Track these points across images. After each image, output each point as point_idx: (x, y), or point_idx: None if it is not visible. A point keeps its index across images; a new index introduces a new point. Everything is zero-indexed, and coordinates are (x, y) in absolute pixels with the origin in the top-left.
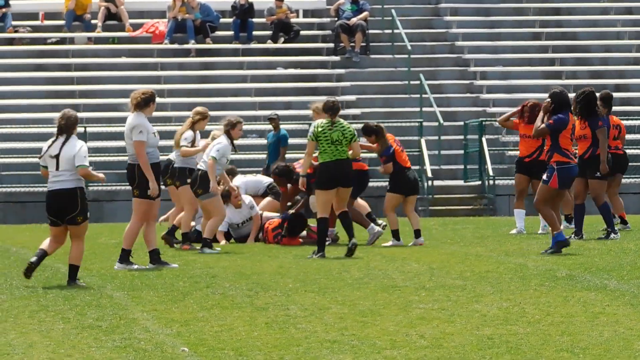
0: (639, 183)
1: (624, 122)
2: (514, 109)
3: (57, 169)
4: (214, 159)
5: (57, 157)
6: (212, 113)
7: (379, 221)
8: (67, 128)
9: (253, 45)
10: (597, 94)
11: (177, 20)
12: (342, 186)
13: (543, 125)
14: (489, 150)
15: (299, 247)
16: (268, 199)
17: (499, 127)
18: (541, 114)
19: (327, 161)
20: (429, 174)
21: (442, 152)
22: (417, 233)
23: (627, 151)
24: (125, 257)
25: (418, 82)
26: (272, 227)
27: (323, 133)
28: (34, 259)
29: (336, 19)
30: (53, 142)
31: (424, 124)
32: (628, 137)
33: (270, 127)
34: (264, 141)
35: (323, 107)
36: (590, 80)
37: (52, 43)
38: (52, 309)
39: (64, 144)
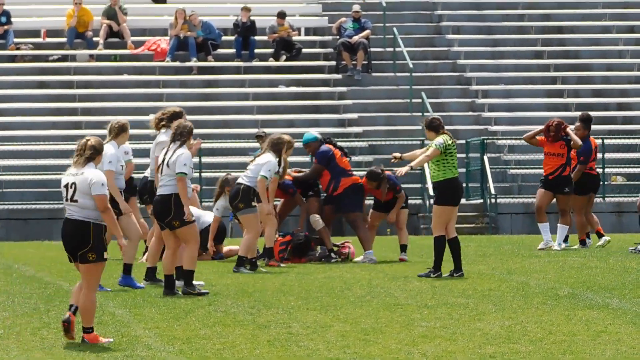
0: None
1: (626, 142)
2: (539, 127)
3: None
4: (264, 178)
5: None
6: (213, 131)
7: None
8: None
9: (255, 63)
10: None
11: (179, 38)
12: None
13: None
14: (490, 168)
15: (303, 264)
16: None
17: (501, 145)
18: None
19: (455, 177)
20: (431, 192)
21: None
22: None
23: (629, 170)
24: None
25: (420, 100)
26: (279, 243)
27: (454, 148)
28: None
29: (338, 37)
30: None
31: (426, 142)
32: (631, 155)
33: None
34: None
35: (432, 124)
36: (592, 99)
37: (54, 60)
38: (54, 327)
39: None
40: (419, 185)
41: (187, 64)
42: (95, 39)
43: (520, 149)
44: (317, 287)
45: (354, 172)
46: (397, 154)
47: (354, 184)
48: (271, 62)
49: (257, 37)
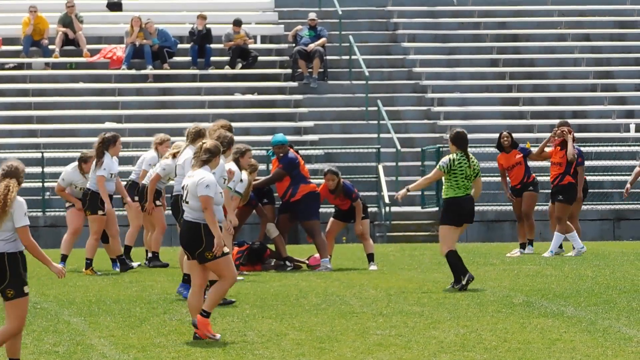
0: (597, 210)
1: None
2: (544, 141)
3: None
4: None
5: None
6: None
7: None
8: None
9: (211, 71)
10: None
11: (135, 46)
12: (468, 222)
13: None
14: None
15: (257, 272)
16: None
17: None
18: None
19: (458, 197)
20: (387, 200)
21: (400, 178)
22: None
23: (586, 178)
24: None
25: (376, 108)
26: (236, 252)
27: (460, 166)
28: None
29: (294, 45)
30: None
31: (382, 150)
32: (586, 163)
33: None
34: None
35: (454, 138)
36: (548, 107)
37: (9, 68)
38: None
39: None
40: (374, 193)
41: (143, 71)
42: (50, 47)
43: (475, 157)
44: (272, 295)
45: (312, 181)
46: (403, 192)
47: (312, 192)
48: (227, 70)
49: (213, 45)
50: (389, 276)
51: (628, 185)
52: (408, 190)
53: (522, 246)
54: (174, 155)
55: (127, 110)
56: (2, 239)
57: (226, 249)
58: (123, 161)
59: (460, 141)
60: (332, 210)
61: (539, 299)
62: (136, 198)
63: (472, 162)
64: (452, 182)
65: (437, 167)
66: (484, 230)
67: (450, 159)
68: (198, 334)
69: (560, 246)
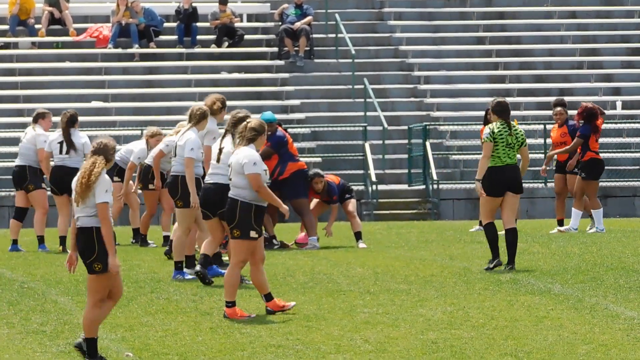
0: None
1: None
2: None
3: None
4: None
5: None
6: (156, 118)
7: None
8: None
9: (197, 50)
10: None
11: (121, 25)
12: (513, 191)
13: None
14: (433, 154)
15: None
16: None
17: (443, 131)
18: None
19: (497, 166)
20: (373, 178)
21: (387, 156)
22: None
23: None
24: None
25: (362, 86)
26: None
27: (500, 135)
28: (198, 268)
29: (280, 23)
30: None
31: (368, 128)
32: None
33: None
34: None
35: (495, 108)
36: (534, 85)
37: None
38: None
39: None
40: (361, 172)
41: (129, 50)
42: (37, 26)
43: (462, 135)
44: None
45: (300, 159)
46: (478, 186)
47: (300, 170)
48: (213, 49)
49: (199, 24)
50: (376, 254)
51: (544, 167)
52: (479, 181)
53: (482, 224)
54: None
55: (114, 89)
56: (89, 214)
57: (254, 234)
58: None
59: (501, 110)
60: None
61: (526, 277)
62: (115, 178)
63: (515, 130)
64: (493, 152)
65: (484, 140)
66: (470, 208)
67: (491, 129)
68: (230, 316)
69: (561, 223)
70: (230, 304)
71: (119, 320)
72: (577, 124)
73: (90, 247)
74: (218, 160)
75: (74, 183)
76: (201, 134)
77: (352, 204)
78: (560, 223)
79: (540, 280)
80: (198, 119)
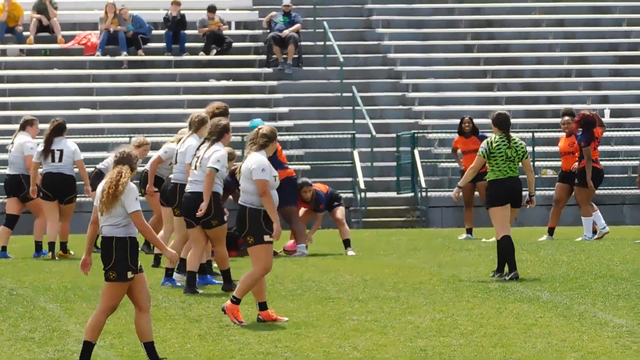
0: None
1: (556, 135)
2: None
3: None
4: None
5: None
6: (145, 125)
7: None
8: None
9: (185, 57)
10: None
11: (110, 32)
12: (513, 205)
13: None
14: (421, 162)
15: (233, 258)
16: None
17: (431, 139)
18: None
19: (497, 179)
20: (362, 186)
21: (375, 164)
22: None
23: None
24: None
25: (351, 94)
26: None
27: (498, 149)
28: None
29: (268, 30)
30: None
31: (357, 135)
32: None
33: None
34: None
35: (495, 120)
36: (522, 93)
37: None
38: None
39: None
40: (350, 179)
41: (118, 58)
42: (25, 33)
43: (450, 143)
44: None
45: (289, 166)
46: (455, 191)
47: (289, 178)
48: (202, 56)
49: (187, 31)
50: (365, 262)
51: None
52: (460, 188)
53: (469, 231)
54: (179, 141)
55: (102, 96)
56: (112, 224)
57: (268, 238)
58: (97, 147)
59: (500, 123)
60: None
61: (514, 284)
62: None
63: (515, 143)
64: (493, 165)
65: (478, 154)
66: (458, 216)
67: (488, 142)
68: (265, 319)
69: (594, 231)
70: (236, 300)
71: (107, 327)
72: (576, 132)
73: (108, 255)
74: (196, 168)
75: (99, 192)
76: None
77: (340, 212)
78: (551, 231)
79: (529, 287)
80: (197, 126)
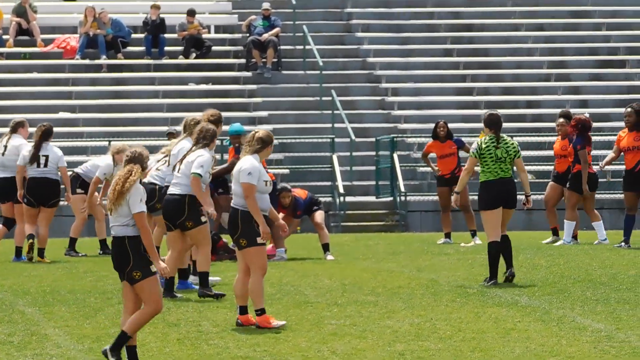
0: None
1: (535, 139)
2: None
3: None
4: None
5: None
6: (124, 129)
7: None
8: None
9: (165, 61)
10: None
11: (89, 36)
12: (506, 207)
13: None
14: (400, 166)
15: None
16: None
17: (410, 143)
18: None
19: (488, 180)
20: (341, 190)
21: (354, 168)
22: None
23: (538, 168)
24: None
25: (330, 98)
26: None
27: (487, 150)
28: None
29: (248, 34)
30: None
31: (336, 140)
32: (540, 153)
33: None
34: None
35: (486, 121)
36: (502, 97)
37: None
38: None
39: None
40: (329, 183)
41: (97, 61)
42: (4, 37)
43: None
44: (226, 285)
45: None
46: (454, 197)
47: None
48: (181, 60)
49: (166, 35)
50: (344, 266)
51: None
52: (457, 194)
53: (447, 235)
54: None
55: (81, 100)
56: (121, 223)
57: (260, 240)
58: (76, 151)
59: (491, 124)
60: None
61: (493, 289)
62: (78, 190)
63: (506, 143)
64: (484, 166)
65: (469, 154)
66: (437, 220)
67: (478, 143)
68: (261, 325)
69: (575, 236)
70: (260, 312)
71: (86, 331)
72: (572, 136)
73: (125, 256)
74: (178, 170)
75: (109, 192)
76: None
77: (320, 216)
78: (555, 232)
79: (508, 292)
80: (193, 129)
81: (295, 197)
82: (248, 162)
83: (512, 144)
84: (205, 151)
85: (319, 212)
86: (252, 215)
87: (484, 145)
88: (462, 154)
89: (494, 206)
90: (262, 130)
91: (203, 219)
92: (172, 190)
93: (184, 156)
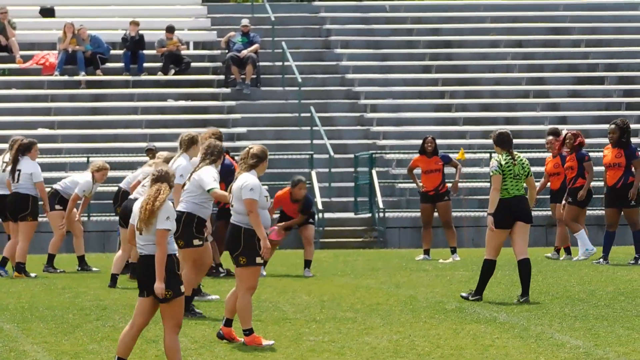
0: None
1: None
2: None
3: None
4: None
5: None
6: (103, 145)
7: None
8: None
9: (144, 77)
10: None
11: (68, 52)
12: (523, 220)
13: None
14: (379, 182)
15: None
16: None
17: (389, 159)
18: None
19: (504, 198)
20: (320, 206)
21: (333, 184)
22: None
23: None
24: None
25: (309, 114)
26: None
27: (507, 167)
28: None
29: (227, 51)
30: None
31: (315, 156)
32: None
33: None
34: None
35: (496, 140)
36: (480, 114)
37: None
38: None
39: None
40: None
41: (76, 78)
42: None
43: (408, 163)
44: (205, 303)
45: None
46: (490, 220)
47: None
48: (160, 76)
49: (145, 51)
50: (322, 282)
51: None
52: (491, 215)
53: (426, 252)
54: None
55: (60, 116)
56: (152, 242)
57: (259, 260)
58: (56, 167)
59: (502, 142)
60: (277, 216)
61: (471, 305)
62: (57, 207)
63: (520, 161)
64: (501, 184)
65: (492, 172)
66: (416, 237)
67: (498, 161)
68: (248, 344)
69: (568, 251)
70: (248, 332)
71: (64, 347)
72: (566, 153)
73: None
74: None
75: (137, 210)
76: (194, 162)
77: (312, 231)
78: (568, 250)
79: (486, 308)
80: (187, 145)
81: (308, 195)
82: (249, 179)
83: (526, 161)
84: (212, 168)
85: (312, 227)
86: (255, 232)
87: (503, 162)
88: (447, 170)
89: (503, 226)
90: (256, 145)
91: (195, 242)
92: (179, 207)
93: (192, 173)
